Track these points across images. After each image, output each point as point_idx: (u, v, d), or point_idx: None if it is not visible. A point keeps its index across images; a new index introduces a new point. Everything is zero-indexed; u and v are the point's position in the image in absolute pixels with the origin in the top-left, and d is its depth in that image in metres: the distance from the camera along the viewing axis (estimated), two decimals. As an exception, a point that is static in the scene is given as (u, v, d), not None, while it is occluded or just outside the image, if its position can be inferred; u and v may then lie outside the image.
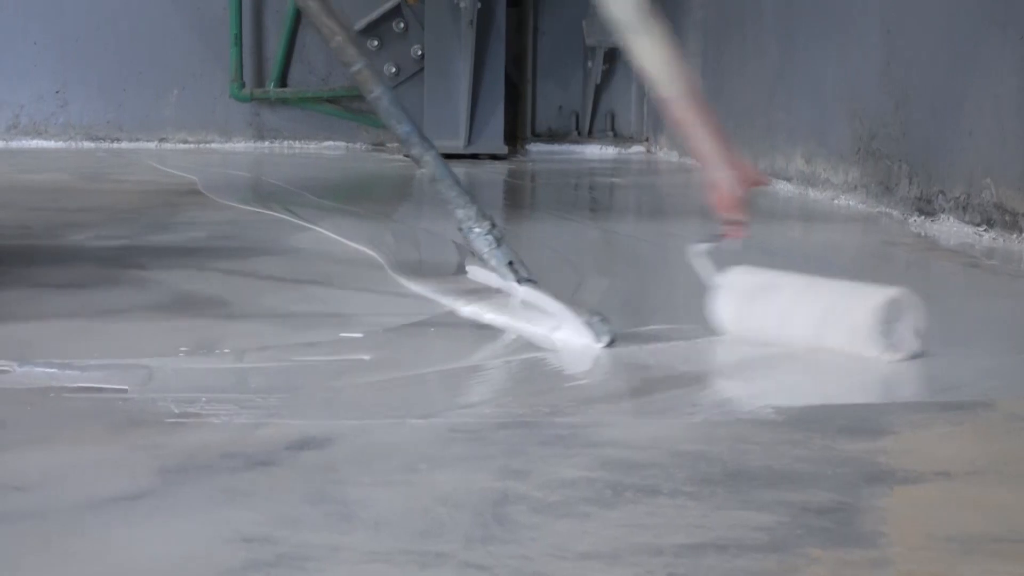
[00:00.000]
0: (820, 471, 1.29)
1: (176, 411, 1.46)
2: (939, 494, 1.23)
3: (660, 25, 1.84)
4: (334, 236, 2.79)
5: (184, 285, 2.25)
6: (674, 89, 1.83)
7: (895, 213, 3.20)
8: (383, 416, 1.48)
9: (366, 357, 1.75)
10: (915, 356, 1.72)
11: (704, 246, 1.85)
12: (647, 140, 5.12)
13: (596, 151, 5.12)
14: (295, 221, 3.05)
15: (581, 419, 1.46)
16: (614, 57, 5.08)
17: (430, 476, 1.26)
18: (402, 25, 4.79)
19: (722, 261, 1.88)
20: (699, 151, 1.83)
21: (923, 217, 3.07)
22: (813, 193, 3.70)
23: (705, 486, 1.24)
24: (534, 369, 1.70)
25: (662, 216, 3.60)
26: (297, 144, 5.13)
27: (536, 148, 5.11)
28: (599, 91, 5.10)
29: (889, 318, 1.71)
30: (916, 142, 3.16)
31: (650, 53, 1.84)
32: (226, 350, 1.78)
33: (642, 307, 2.21)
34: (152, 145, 5.06)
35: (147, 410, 1.47)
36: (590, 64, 5.05)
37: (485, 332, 1.90)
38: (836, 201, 3.53)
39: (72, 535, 1.10)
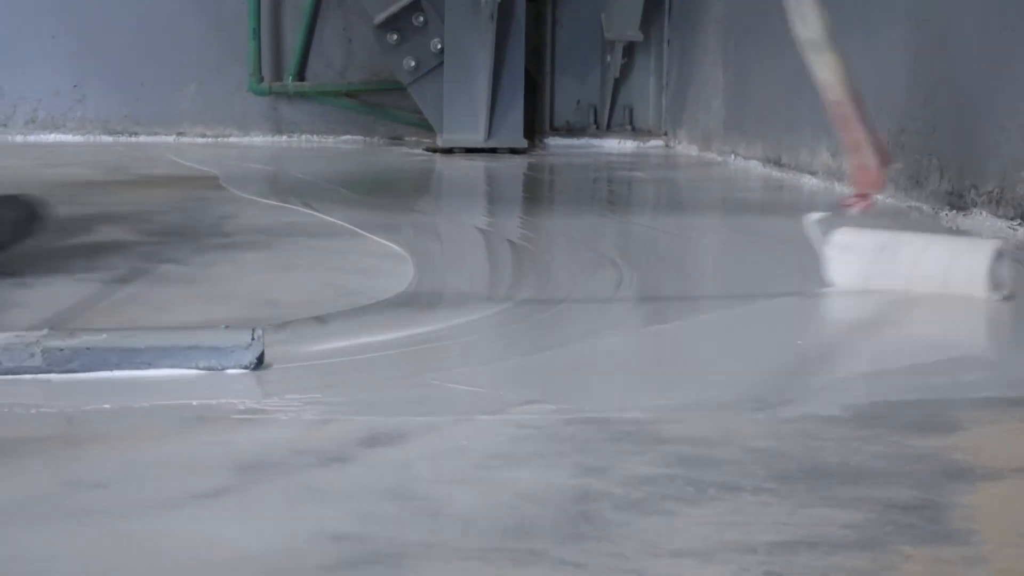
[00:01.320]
0: (896, 468, 1.28)
1: (241, 408, 1.45)
2: (1022, 491, 1.23)
3: (836, 41, 2.23)
4: (360, 231, 2.79)
5: (227, 280, 2.24)
6: (842, 93, 2.20)
7: (925, 207, 3.19)
8: (450, 412, 1.47)
9: (426, 353, 1.75)
10: (1011, 296, 2.05)
11: (819, 215, 2.20)
12: (665, 134, 5.12)
13: (614, 145, 5.11)
14: (322, 216, 3.05)
15: (645, 415, 1.46)
16: (632, 51, 5.07)
17: (507, 473, 1.26)
18: (422, 19, 4.78)
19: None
20: (854, 140, 2.21)
21: (954, 211, 3.06)
22: (840, 187, 3.69)
23: (785, 483, 1.23)
24: (582, 361, 1.69)
25: (699, 210, 3.59)
26: (315, 138, 5.13)
27: (554, 142, 5.11)
28: (617, 85, 5.10)
29: (996, 261, 2.06)
30: (947, 136, 3.15)
31: (828, 65, 2.22)
32: (282, 346, 1.77)
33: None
34: (170, 139, 5.05)
35: (212, 407, 1.46)
36: (609, 58, 5.04)
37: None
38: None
39: (160, 532, 1.10)
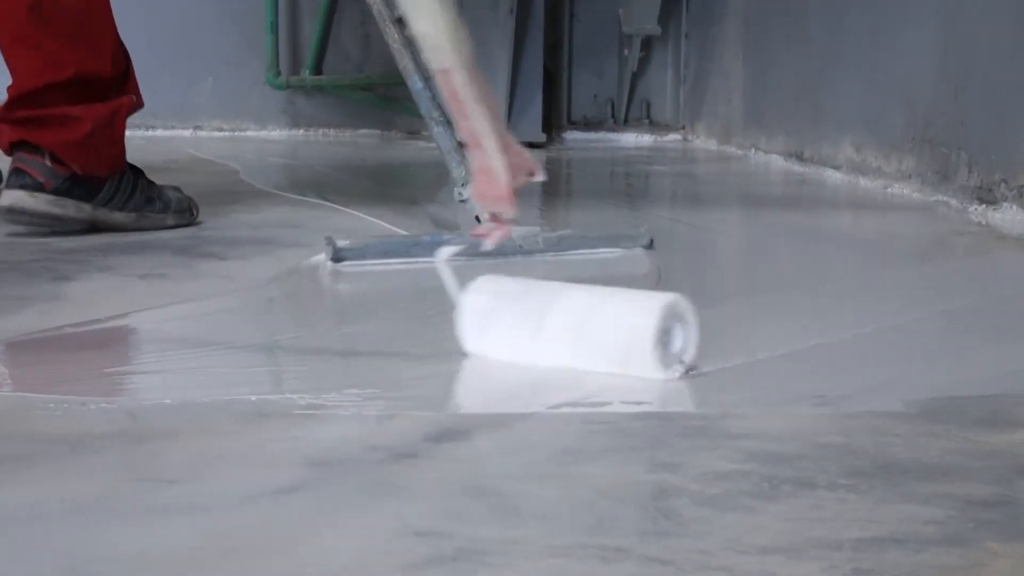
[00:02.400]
0: (970, 464, 1.28)
1: (302, 403, 1.45)
2: (1100, 487, 1.23)
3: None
4: (385, 224, 2.79)
5: (265, 275, 2.24)
6: (453, 59, 1.57)
7: (953, 202, 3.19)
8: (514, 407, 1.47)
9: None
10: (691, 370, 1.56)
11: (451, 250, 1.61)
12: (683, 128, 5.11)
13: (632, 139, 5.10)
14: (345, 210, 3.04)
15: (712, 410, 1.45)
16: (650, 45, 5.06)
17: (580, 469, 1.25)
18: (440, 13, 4.77)
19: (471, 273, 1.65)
20: (472, 131, 1.58)
21: (984, 206, 3.05)
22: (864, 182, 3.68)
23: (861, 479, 1.22)
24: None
25: (718, 204, 3.59)
26: (332, 132, 5.12)
27: (572, 136, 5.10)
28: (635, 79, 5.09)
29: (665, 331, 1.53)
30: (976, 130, 3.15)
31: (428, 15, 1.59)
32: (334, 341, 1.77)
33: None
34: (187, 133, 5.04)
35: (271, 402, 1.46)
36: (626, 52, 5.03)
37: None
38: (889, 190, 3.52)
39: (243, 528, 1.09)
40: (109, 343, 1.74)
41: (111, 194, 2.58)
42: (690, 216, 3.26)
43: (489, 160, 1.57)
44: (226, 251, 2.45)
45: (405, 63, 2.74)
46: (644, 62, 5.09)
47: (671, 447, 1.32)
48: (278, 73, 5.01)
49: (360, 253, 2.28)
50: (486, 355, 1.59)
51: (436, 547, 1.05)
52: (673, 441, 1.34)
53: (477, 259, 1.90)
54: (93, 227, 2.54)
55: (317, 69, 5.09)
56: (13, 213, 2.48)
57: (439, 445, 1.32)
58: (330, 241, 2.26)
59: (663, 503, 1.16)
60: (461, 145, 2.15)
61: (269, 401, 1.46)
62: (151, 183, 2.65)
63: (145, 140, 4.86)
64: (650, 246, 2.46)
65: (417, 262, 2.20)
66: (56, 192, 2.50)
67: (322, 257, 2.29)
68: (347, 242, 2.29)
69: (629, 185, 4.18)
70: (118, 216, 2.57)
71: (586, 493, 1.18)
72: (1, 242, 2.51)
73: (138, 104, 2.76)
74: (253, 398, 1.47)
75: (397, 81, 5.06)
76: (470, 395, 1.52)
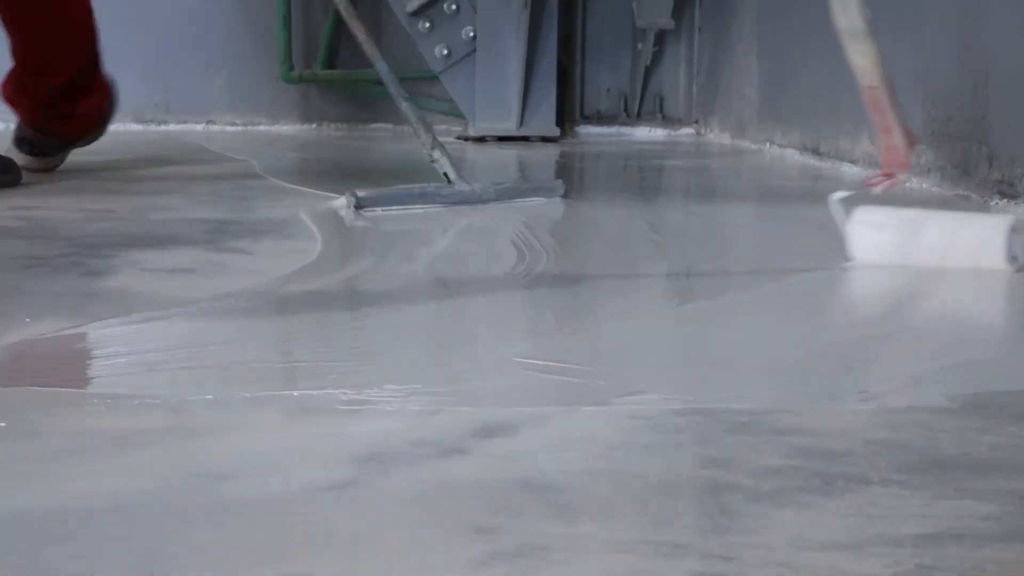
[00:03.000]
0: (1021, 459, 1.28)
1: (344, 399, 1.45)
2: None
3: (873, 30, 2.33)
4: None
5: (292, 269, 2.23)
6: (878, 80, 2.31)
7: (974, 196, 3.18)
8: (554, 402, 1.46)
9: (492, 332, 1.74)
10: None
11: (844, 194, 2.31)
12: (696, 122, 5.10)
13: (645, 133, 5.09)
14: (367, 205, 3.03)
15: (755, 405, 1.45)
16: (663, 39, 5.05)
17: (631, 464, 1.25)
18: (454, 7, 4.76)
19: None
20: (886, 124, 2.32)
21: (1005, 200, 3.05)
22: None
23: (913, 474, 1.22)
24: (661, 346, 1.68)
25: (733, 197, 3.58)
26: (344, 126, 5.11)
27: (585, 130, 5.09)
28: (648, 73, 5.08)
29: (1011, 234, 2.18)
30: (997, 124, 3.14)
31: (865, 53, 2.33)
32: (367, 335, 1.77)
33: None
34: (200, 127, 5.03)
35: (314, 397, 1.45)
36: (640, 46, 5.02)
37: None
38: (907, 184, 3.51)
39: (299, 524, 1.09)
40: (147, 338, 1.74)
41: None
42: (704, 209, 3.26)
43: (895, 141, 2.33)
44: (251, 246, 2.45)
45: (371, 50, 3.18)
46: (657, 56, 5.08)
47: (719, 443, 1.31)
48: (291, 67, 5.01)
49: (378, 201, 2.88)
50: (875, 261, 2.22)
51: (497, 543, 1.05)
52: (720, 437, 1.33)
53: (456, 206, 2.93)
54: None
55: (330, 63, 5.08)
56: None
57: (486, 441, 1.31)
58: (352, 192, 2.86)
59: (718, 499, 1.15)
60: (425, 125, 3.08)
61: (311, 396, 1.46)
62: None
63: (158, 135, 4.86)
64: (565, 195, 3.16)
65: (428, 208, 2.91)
66: None
67: (343, 202, 2.85)
68: (366, 192, 2.88)
69: (643, 179, 4.18)
70: None
71: (640, 489, 1.18)
72: (29, 238, 2.51)
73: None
74: (295, 394, 1.47)
75: (409, 76, 5.07)
76: (511, 391, 1.51)
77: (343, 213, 2.83)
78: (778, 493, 1.17)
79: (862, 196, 2.33)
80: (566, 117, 5.03)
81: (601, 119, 5.14)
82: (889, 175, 2.31)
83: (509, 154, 4.52)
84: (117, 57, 4.93)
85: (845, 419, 1.41)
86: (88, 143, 3.52)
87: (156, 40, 5.01)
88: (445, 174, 3.00)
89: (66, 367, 1.62)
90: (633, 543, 1.05)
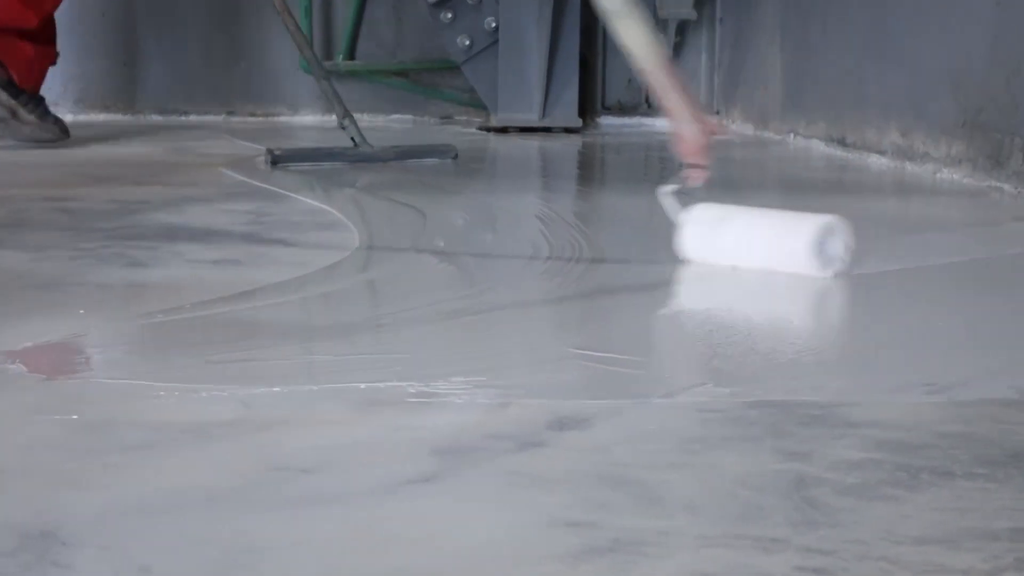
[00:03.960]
0: (1100, 452, 1.27)
1: (412, 391, 1.44)
2: None
3: (640, 7, 2.20)
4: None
5: (335, 259, 2.23)
6: (651, 61, 2.20)
7: (1007, 187, 3.17)
8: (622, 395, 1.46)
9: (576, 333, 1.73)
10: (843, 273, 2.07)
11: (671, 188, 2.23)
12: (718, 113, 5.09)
13: (666, 124, 5.07)
14: (395, 199, 3.03)
15: (825, 398, 1.44)
16: (685, 30, 5.05)
17: (710, 458, 1.25)
18: (477, -3, 4.76)
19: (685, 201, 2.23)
20: (670, 109, 2.22)
21: (1039, 191, 3.04)
22: (911, 167, 3.67)
23: (996, 468, 1.22)
24: (719, 338, 1.67)
25: (758, 189, 3.57)
26: (365, 117, 5.09)
27: (606, 121, 5.09)
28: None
29: (822, 240, 2.07)
30: (1030, 115, 3.13)
31: (632, 32, 2.19)
32: (424, 327, 1.76)
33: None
34: (219, 118, 5.03)
35: (380, 390, 1.45)
36: (662, 36, 5.01)
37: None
38: (938, 175, 3.51)
39: (385, 519, 1.08)
40: (203, 330, 1.74)
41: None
42: (727, 199, 3.25)
43: (682, 126, 2.21)
44: (292, 237, 2.45)
45: (299, 39, 3.91)
46: (679, 47, 5.08)
47: (795, 436, 1.31)
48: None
49: (292, 158, 3.59)
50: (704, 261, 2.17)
51: (590, 538, 1.04)
52: (795, 429, 1.33)
53: (358, 163, 3.66)
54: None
55: (350, 54, 5.08)
56: None
57: (562, 434, 1.31)
58: (268, 149, 3.59)
59: (805, 493, 1.15)
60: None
61: (378, 389, 1.45)
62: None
63: (180, 125, 4.86)
64: (455, 157, 3.77)
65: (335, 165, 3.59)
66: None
67: (262, 158, 3.55)
68: (281, 150, 3.59)
69: (664, 170, 4.17)
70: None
71: (724, 483, 1.17)
72: (68, 229, 2.50)
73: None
74: (362, 386, 1.46)
75: (430, 67, 5.07)
76: (575, 383, 1.51)
77: (261, 167, 3.50)
78: (864, 487, 1.16)
79: (686, 188, 2.24)
80: (587, 108, 5.03)
81: (622, 110, 5.14)
82: (696, 165, 2.19)
83: (531, 144, 4.51)
84: (138, 48, 4.94)
85: (916, 412, 1.40)
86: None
87: (177, 31, 5.01)
88: (352, 138, 3.75)
89: (128, 359, 1.61)
90: (726, 537, 1.05)
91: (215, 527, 1.06)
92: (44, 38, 3.90)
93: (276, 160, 3.51)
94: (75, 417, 1.34)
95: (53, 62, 3.98)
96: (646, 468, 1.21)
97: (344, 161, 3.67)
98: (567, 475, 1.19)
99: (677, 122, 2.20)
